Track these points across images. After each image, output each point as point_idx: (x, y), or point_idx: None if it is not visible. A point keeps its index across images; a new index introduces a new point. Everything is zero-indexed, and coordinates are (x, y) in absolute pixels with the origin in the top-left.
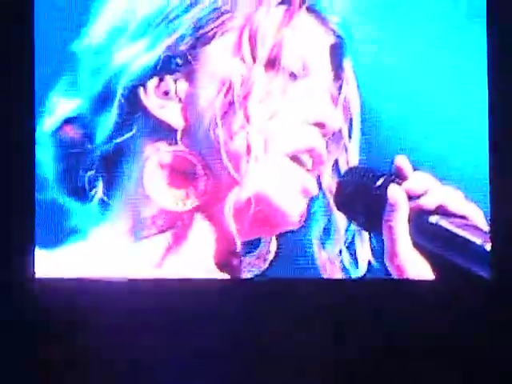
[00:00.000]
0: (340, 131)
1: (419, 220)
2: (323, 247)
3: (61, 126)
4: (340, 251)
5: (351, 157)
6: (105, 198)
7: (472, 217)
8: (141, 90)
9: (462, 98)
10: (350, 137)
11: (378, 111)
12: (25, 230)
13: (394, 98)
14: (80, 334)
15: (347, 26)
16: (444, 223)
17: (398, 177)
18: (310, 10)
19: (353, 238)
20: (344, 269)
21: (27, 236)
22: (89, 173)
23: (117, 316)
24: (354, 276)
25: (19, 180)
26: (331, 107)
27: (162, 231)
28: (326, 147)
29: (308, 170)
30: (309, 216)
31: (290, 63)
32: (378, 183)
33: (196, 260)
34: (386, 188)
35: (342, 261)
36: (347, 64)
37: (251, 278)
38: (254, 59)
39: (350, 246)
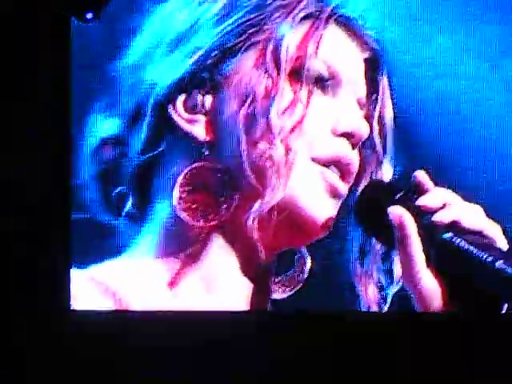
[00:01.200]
0: (374, 144)
1: (433, 237)
2: (360, 265)
3: (99, 145)
4: (377, 267)
5: (386, 171)
6: (134, 214)
7: (488, 232)
8: (170, 105)
9: (500, 117)
10: (384, 152)
11: (411, 126)
12: (62, 254)
13: (428, 115)
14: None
15: (384, 41)
16: (457, 240)
17: (417, 192)
18: (341, 23)
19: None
20: (381, 286)
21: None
22: (119, 189)
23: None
24: (390, 292)
25: (57, 200)
26: (359, 117)
27: (183, 249)
28: (360, 159)
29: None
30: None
31: (316, 70)
32: (396, 198)
33: (218, 279)
34: (404, 203)
35: (379, 278)
36: (383, 80)
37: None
38: (278, 70)
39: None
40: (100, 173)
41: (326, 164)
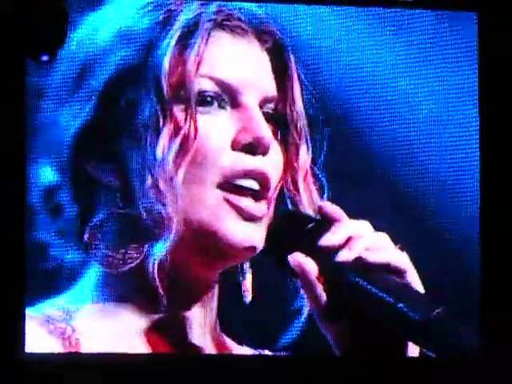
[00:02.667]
0: (290, 133)
1: (339, 279)
2: None
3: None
4: None
5: (302, 158)
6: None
7: (396, 264)
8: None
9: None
10: (300, 138)
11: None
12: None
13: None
14: None
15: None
16: (360, 281)
17: (328, 222)
18: (227, 26)
19: None
20: None
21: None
22: None
23: None
24: None
25: None
26: (259, 122)
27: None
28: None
29: (253, 195)
30: None
31: (201, 90)
32: (308, 228)
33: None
34: (315, 235)
35: None
36: (292, 65)
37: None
38: (162, 100)
39: None
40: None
41: (235, 184)
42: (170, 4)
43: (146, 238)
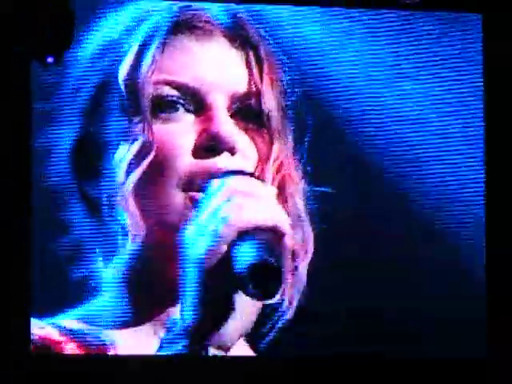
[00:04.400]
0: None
1: None
2: None
3: None
4: None
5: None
6: None
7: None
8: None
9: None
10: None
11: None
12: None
13: None
14: None
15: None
16: None
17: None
18: (187, 28)
19: None
20: None
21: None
22: None
23: None
24: None
25: None
26: (221, 121)
27: None
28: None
29: None
30: None
31: (158, 95)
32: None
33: None
34: None
35: None
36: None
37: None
38: (125, 109)
39: None
40: None
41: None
42: (143, 12)
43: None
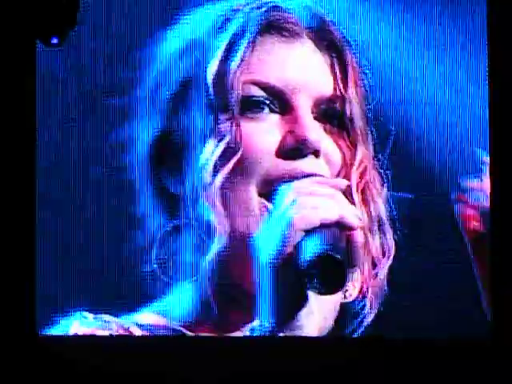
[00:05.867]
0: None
1: None
2: None
3: None
4: None
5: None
6: None
7: None
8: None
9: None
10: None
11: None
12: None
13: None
14: None
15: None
16: None
17: None
18: (275, 28)
19: None
20: None
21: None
22: None
23: None
24: None
25: None
26: (307, 124)
27: None
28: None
29: None
30: None
31: (248, 96)
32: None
33: None
34: None
35: None
36: (349, 61)
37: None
38: (213, 111)
39: None
40: None
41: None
42: (230, 10)
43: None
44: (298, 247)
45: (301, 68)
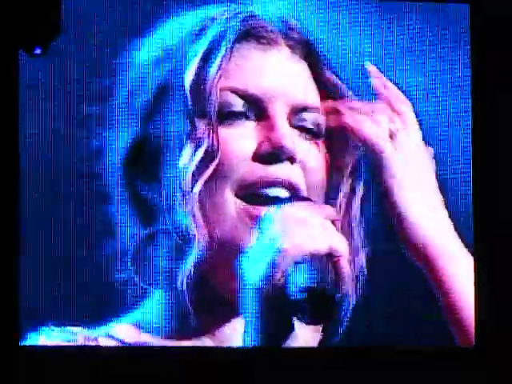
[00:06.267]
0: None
1: None
2: None
3: None
4: None
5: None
6: None
7: None
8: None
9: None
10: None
11: None
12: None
13: None
14: None
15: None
16: None
17: None
18: (252, 36)
19: None
20: None
21: None
22: None
23: None
24: None
25: None
26: (282, 131)
27: None
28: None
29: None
30: None
31: (224, 103)
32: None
33: None
34: None
35: None
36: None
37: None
38: (189, 117)
39: None
40: None
41: (258, 194)
42: (207, 18)
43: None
44: (286, 276)
45: (278, 75)
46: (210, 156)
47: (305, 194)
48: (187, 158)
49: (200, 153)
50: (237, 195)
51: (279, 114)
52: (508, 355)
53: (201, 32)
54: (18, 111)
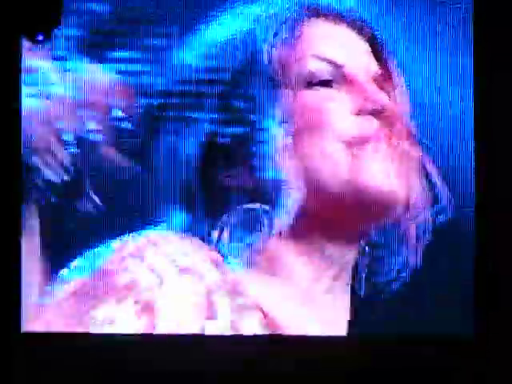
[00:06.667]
0: None
1: None
2: None
3: None
4: None
5: None
6: None
7: None
8: None
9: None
10: None
11: None
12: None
13: None
14: None
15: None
16: None
17: None
18: (323, 15)
19: None
20: None
21: None
22: None
23: None
24: None
25: None
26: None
27: None
28: None
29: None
30: None
31: (317, 71)
32: None
33: None
34: None
35: None
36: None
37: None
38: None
39: None
40: None
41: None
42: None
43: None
44: None
45: (352, 49)
46: (300, 121)
47: None
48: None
49: (291, 120)
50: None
51: (364, 80)
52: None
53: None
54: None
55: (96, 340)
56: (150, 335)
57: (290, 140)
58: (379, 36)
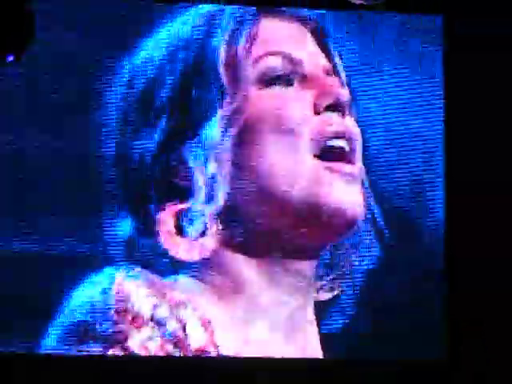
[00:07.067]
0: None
1: None
2: None
3: None
4: None
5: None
6: None
7: None
8: None
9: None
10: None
11: None
12: None
13: None
14: None
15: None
16: None
17: None
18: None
19: None
20: None
21: None
22: None
23: None
24: None
25: None
26: (334, 83)
27: None
28: None
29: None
30: None
31: (271, 68)
32: None
33: None
34: None
35: None
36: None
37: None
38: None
39: None
40: None
41: (326, 146)
42: (210, 14)
43: None
44: None
45: (304, 44)
46: (248, 122)
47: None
48: (221, 128)
49: (239, 120)
50: (311, 153)
51: (320, 73)
52: None
53: (211, 20)
54: None
55: None
56: None
57: (237, 146)
58: (324, 29)
